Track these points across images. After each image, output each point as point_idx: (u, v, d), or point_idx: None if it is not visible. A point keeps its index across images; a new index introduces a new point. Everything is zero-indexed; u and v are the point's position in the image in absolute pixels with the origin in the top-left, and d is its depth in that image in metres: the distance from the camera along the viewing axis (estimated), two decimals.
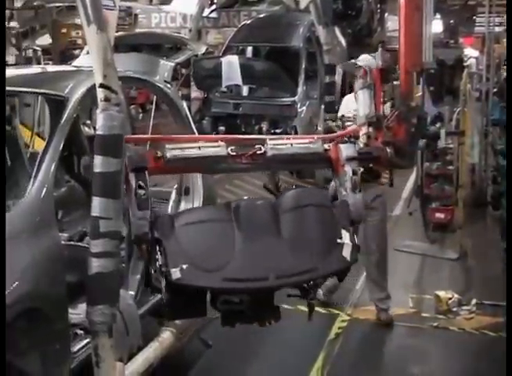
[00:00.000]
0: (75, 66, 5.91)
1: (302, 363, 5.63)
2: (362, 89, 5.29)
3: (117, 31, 14.90)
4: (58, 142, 4.27)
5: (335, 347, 5.94)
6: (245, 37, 13.34)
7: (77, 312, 4.25)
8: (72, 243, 4.64)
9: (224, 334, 5.40)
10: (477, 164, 10.19)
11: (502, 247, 7.59)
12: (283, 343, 5.92)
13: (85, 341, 4.27)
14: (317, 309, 6.40)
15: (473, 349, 5.98)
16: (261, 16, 15.62)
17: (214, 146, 4.19)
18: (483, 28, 13.89)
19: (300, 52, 12.32)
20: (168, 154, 4.04)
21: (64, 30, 19.03)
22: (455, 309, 6.56)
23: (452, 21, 26.11)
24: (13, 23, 16.26)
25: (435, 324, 6.34)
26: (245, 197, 4.70)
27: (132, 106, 12.00)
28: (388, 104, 5.67)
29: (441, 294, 6.67)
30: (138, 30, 18.31)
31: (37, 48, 15.16)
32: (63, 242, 4.33)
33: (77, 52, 16.37)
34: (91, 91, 3.98)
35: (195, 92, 12.17)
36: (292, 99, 11.83)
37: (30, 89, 5.00)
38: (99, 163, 3.73)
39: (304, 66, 12.17)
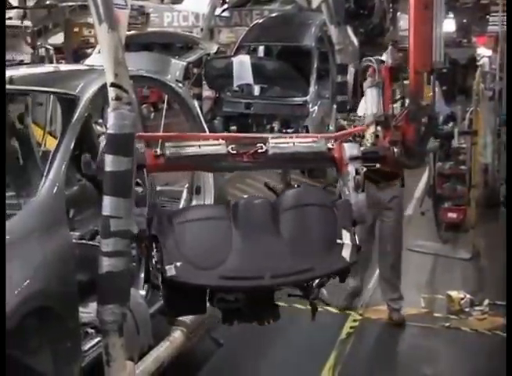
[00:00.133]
0: (87, 65, 5.91)
1: (314, 362, 5.61)
2: (371, 88, 5.25)
3: (129, 30, 15.00)
4: (69, 141, 4.27)
5: (347, 347, 5.93)
6: (257, 36, 13.32)
7: (88, 311, 4.25)
8: (83, 241, 4.64)
9: (235, 333, 5.42)
10: (490, 163, 10.14)
11: None
12: (295, 342, 5.92)
13: (96, 340, 4.28)
14: (329, 308, 6.43)
15: (485, 350, 5.95)
16: (273, 15, 15.60)
17: (214, 145, 4.19)
18: (496, 27, 13.86)
19: (312, 52, 12.30)
20: (167, 152, 4.06)
21: (77, 29, 19.09)
22: (467, 310, 6.53)
23: (464, 20, 26.03)
24: (27, 22, 16.32)
25: (447, 324, 6.32)
26: (245, 196, 4.70)
27: (144, 105, 12.00)
28: (399, 103, 5.60)
29: (454, 294, 6.64)
30: (150, 29, 18.35)
31: (50, 47, 15.20)
32: (74, 241, 4.33)
33: (89, 50, 16.42)
34: (103, 90, 3.98)
35: (207, 91, 12.18)
36: (304, 98, 11.81)
37: (41, 88, 5.01)
38: (109, 162, 3.73)
39: (316, 65, 12.14)
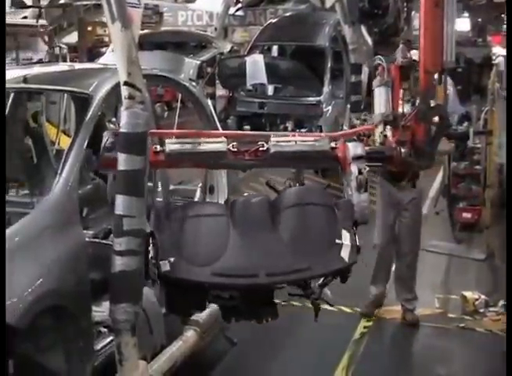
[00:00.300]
0: (101, 64, 5.91)
1: (327, 362, 5.60)
2: (379, 87, 5.19)
3: (143, 29, 14.98)
4: (82, 139, 4.27)
5: (360, 347, 5.90)
6: (271, 36, 13.30)
7: (101, 310, 4.25)
8: (96, 240, 4.64)
9: (249, 332, 5.42)
10: (505, 163, 10.07)
11: None
12: (308, 342, 5.90)
13: (109, 339, 4.27)
14: (342, 308, 6.41)
15: (499, 351, 5.90)
16: (287, 14, 15.57)
17: (215, 142, 4.19)
18: None
19: (326, 51, 12.26)
20: (167, 149, 4.05)
21: (90, 28, 19.14)
22: (482, 310, 6.49)
23: (479, 19, 25.90)
24: (42, 21, 16.36)
25: (462, 325, 6.28)
26: (245, 194, 4.70)
27: (158, 104, 12.01)
28: (409, 103, 5.53)
29: (468, 294, 6.61)
30: (163, 29, 18.36)
31: (63, 45, 15.26)
32: (87, 239, 4.33)
33: (103, 49, 16.45)
34: (116, 88, 3.98)
35: (220, 91, 12.17)
36: (317, 98, 11.77)
37: (55, 87, 5.02)
38: (122, 161, 3.73)
39: (329, 65, 12.10)
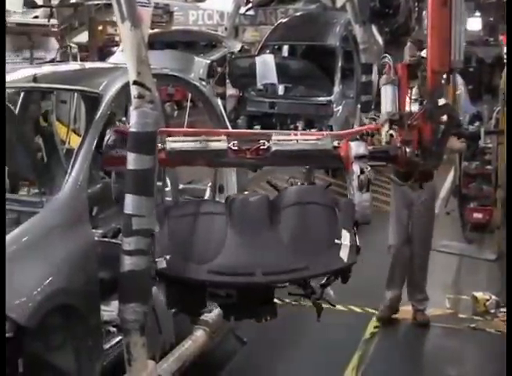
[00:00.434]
0: (111, 63, 5.92)
1: (337, 362, 5.58)
2: (385, 85, 5.13)
3: (153, 28, 14.97)
4: (92, 138, 4.27)
5: (370, 347, 5.88)
6: (281, 35, 13.28)
7: (110, 309, 4.25)
8: (106, 239, 4.64)
9: (258, 332, 5.41)
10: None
11: None
12: (318, 342, 5.89)
13: (118, 339, 4.28)
14: (352, 307, 6.39)
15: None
16: (298, 14, 15.54)
17: (216, 140, 4.18)
18: None
19: (336, 51, 12.22)
20: (168, 147, 4.05)
21: (101, 28, 19.17)
22: (492, 311, 6.46)
23: (491, 18, 25.78)
24: (53, 21, 16.40)
25: (472, 326, 6.25)
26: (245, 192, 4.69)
27: (168, 104, 12.01)
28: (417, 102, 5.45)
29: (479, 295, 6.57)
30: (174, 28, 18.38)
31: (74, 45, 15.30)
32: (96, 238, 4.33)
33: (114, 49, 16.47)
34: (126, 88, 3.98)
35: (231, 90, 12.16)
36: (328, 98, 11.74)
37: (65, 86, 5.02)
38: (132, 160, 3.72)
39: (340, 65, 12.06)
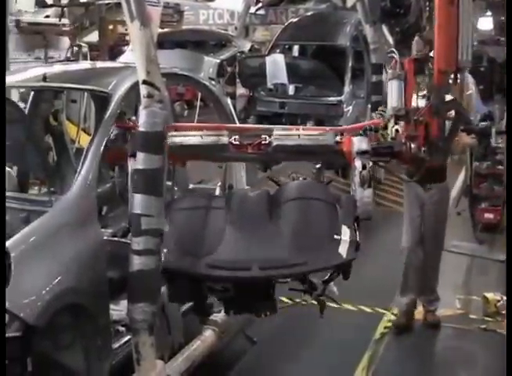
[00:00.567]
0: (121, 62, 5.92)
1: (347, 362, 5.56)
2: (391, 80, 5.07)
3: (163, 28, 14.95)
4: (101, 138, 4.27)
5: (381, 347, 5.86)
6: (292, 35, 13.26)
7: (119, 309, 4.25)
8: (115, 239, 4.63)
9: (268, 332, 5.40)
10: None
11: None
12: (328, 342, 5.87)
13: (127, 338, 4.27)
14: (362, 307, 6.37)
15: None
16: (308, 14, 15.53)
17: (217, 135, 4.18)
18: None
19: (347, 51, 12.20)
20: (169, 141, 4.05)
21: (111, 27, 19.19)
22: (503, 312, 6.42)
23: (502, 18, 25.67)
24: (64, 20, 16.45)
25: (483, 326, 6.21)
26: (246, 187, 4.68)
27: (177, 103, 12.02)
28: (424, 98, 5.37)
29: (490, 295, 6.53)
30: (184, 27, 18.41)
31: (84, 44, 15.35)
32: (105, 238, 4.33)
33: (125, 48, 16.50)
34: (136, 87, 3.98)
35: (241, 90, 12.15)
36: (338, 98, 11.72)
37: (74, 85, 5.03)
38: (140, 160, 3.72)
39: (350, 65, 12.04)
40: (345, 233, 3.99)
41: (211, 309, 5.19)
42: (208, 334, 4.98)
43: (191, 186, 6.23)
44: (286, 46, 13.32)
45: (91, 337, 3.99)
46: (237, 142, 4.18)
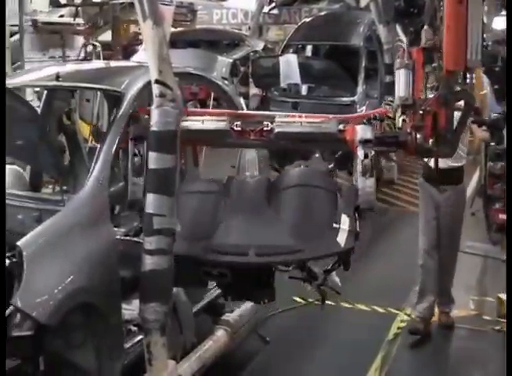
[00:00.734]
0: (134, 62, 5.92)
1: (360, 362, 5.54)
2: (399, 69, 4.99)
3: (176, 27, 14.91)
4: (113, 137, 4.27)
5: (394, 347, 5.83)
6: (305, 35, 13.23)
7: (131, 308, 4.25)
8: (127, 238, 4.63)
9: (281, 332, 5.38)
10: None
11: None
12: (341, 342, 5.86)
13: (139, 338, 4.27)
14: (375, 308, 6.34)
15: None
16: (322, 14, 15.51)
17: (218, 121, 4.17)
18: None
19: (360, 51, 12.16)
20: None
21: (125, 26, 19.20)
22: None
23: None
24: (79, 20, 16.48)
25: (497, 328, 6.17)
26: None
27: (191, 102, 12.00)
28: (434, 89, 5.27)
29: (504, 296, 6.49)
30: (198, 27, 18.40)
31: (97, 43, 15.35)
32: (118, 237, 4.32)
33: (138, 47, 16.51)
34: (148, 86, 3.97)
35: (254, 89, 12.14)
36: (351, 98, 11.67)
37: (87, 85, 5.03)
38: (153, 159, 3.71)
39: (364, 65, 12.00)
40: (345, 222, 3.96)
41: (223, 309, 5.21)
42: (220, 334, 4.97)
43: None
44: (300, 46, 13.30)
45: (103, 336, 3.99)
46: (239, 128, 4.15)
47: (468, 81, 4.80)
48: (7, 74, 7.84)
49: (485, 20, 14.05)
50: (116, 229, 4.40)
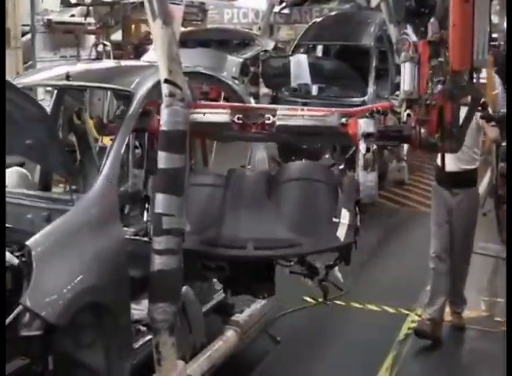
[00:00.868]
0: (145, 61, 5.92)
1: (371, 362, 5.52)
2: (404, 63, 4.92)
3: (186, 27, 14.90)
4: (123, 136, 4.26)
5: (404, 348, 5.81)
6: (315, 35, 13.21)
7: (140, 308, 4.24)
8: (137, 237, 4.62)
9: (291, 332, 5.36)
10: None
11: None
12: (352, 342, 5.84)
13: (148, 338, 4.26)
14: (386, 308, 6.32)
15: None
16: (332, 14, 15.47)
17: (219, 113, 4.16)
18: None
19: (371, 51, 12.12)
20: None
21: (136, 26, 19.25)
22: None
23: None
24: (90, 19, 16.53)
25: None
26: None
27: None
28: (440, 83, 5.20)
29: None
30: (209, 26, 18.42)
31: (107, 43, 15.40)
32: (127, 236, 4.32)
33: (149, 47, 16.54)
34: (158, 86, 3.96)
35: (264, 89, 12.13)
36: (362, 98, 11.63)
37: (97, 84, 5.03)
38: (162, 159, 3.70)
39: (374, 65, 11.96)
40: (345, 217, 3.94)
41: (232, 309, 5.19)
42: (230, 335, 4.96)
43: None
44: (310, 46, 13.28)
45: (112, 336, 3.98)
46: (240, 121, 4.13)
47: (475, 80, 4.75)
48: (18, 74, 7.86)
49: (497, 20, 14.01)
50: (125, 228, 4.40)
